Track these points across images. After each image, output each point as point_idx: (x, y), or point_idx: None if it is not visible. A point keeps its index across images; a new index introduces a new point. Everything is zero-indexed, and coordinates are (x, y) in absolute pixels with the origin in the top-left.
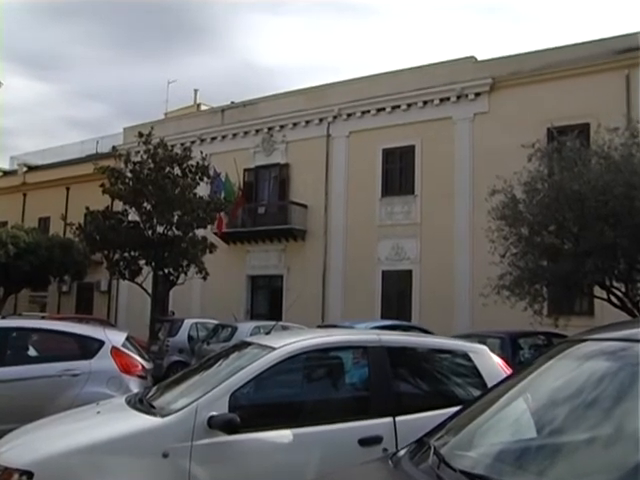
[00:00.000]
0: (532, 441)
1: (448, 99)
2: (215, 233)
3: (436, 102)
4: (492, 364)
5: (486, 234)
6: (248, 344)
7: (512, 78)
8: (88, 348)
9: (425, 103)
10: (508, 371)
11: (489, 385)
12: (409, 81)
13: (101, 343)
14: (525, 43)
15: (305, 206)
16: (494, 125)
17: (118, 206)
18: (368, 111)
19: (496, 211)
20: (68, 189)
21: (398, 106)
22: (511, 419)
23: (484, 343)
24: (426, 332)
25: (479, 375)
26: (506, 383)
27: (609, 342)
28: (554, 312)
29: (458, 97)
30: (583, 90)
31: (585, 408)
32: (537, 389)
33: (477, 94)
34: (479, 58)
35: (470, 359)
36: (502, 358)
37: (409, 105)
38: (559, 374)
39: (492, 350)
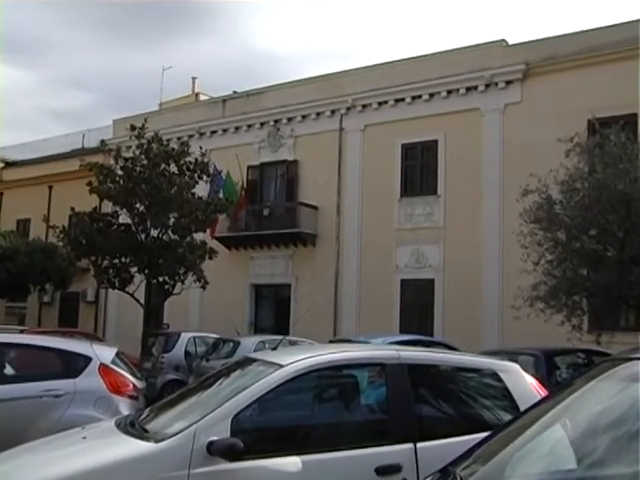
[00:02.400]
0: (571, 473)
1: (475, 88)
2: (215, 238)
3: (462, 91)
4: (525, 385)
5: (518, 239)
6: (252, 361)
7: (548, 64)
8: (73, 365)
9: (449, 92)
10: (543, 393)
11: (521, 408)
12: (432, 68)
13: (87, 360)
14: (563, 24)
15: (315, 207)
16: (527, 117)
17: (107, 207)
18: (385, 102)
19: (529, 213)
20: (51, 188)
21: (419, 96)
22: (547, 447)
23: (516, 361)
24: (450, 348)
25: (510, 397)
26: (541, 406)
27: None
28: (595, 327)
29: (487, 85)
30: (628, 76)
31: (631, 437)
32: (576, 414)
33: (508, 82)
34: (510, 42)
35: (500, 379)
36: (536, 378)
37: (431, 95)
38: (601, 397)
39: (525, 369)
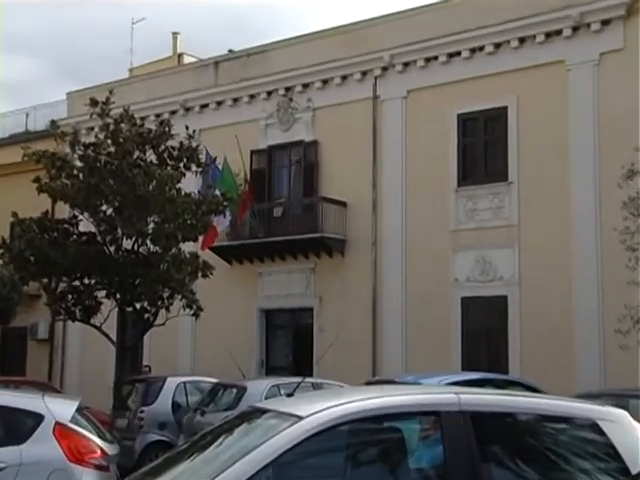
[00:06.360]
0: None
1: (559, 33)
2: (211, 248)
3: (540, 38)
4: (636, 439)
5: (622, 238)
6: (261, 412)
7: None
8: (18, 427)
9: (523, 41)
10: None
11: (633, 471)
12: (497, 8)
13: (38, 418)
14: None
15: (343, 204)
16: (632, 70)
17: (63, 211)
18: (435, 57)
19: (636, 203)
20: None
21: (481, 47)
22: None
23: (624, 407)
24: (532, 390)
25: (616, 455)
26: None
27: None
28: None
29: (574, 29)
30: None
31: None
32: None
33: (605, 22)
34: None
35: (602, 431)
36: None
37: (498, 45)
38: None
39: (637, 418)
